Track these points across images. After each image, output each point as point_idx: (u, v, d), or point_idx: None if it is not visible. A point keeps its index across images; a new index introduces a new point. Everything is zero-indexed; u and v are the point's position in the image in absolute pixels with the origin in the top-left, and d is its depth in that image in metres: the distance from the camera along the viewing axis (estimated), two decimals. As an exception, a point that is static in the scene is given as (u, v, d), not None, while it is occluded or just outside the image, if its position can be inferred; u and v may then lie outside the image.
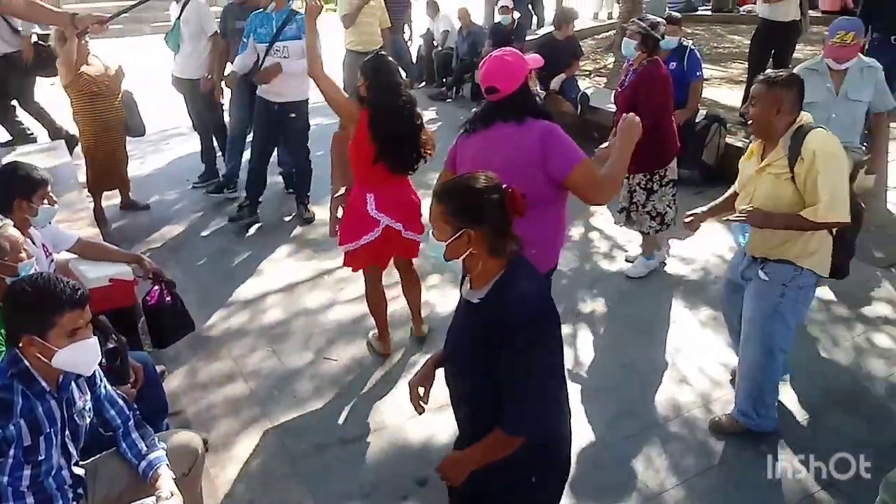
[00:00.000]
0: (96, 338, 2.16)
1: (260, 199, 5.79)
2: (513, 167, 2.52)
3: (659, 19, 4.50)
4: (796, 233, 2.87)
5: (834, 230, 2.93)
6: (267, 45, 5.17)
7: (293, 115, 5.45)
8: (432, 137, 3.71)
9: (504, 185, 1.94)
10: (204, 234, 5.67)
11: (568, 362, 3.90)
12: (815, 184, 2.72)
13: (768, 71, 3.00)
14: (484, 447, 1.96)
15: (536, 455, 2.01)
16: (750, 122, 2.98)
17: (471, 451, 2.00)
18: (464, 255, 1.91)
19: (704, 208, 3.33)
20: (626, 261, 4.96)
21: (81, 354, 2.11)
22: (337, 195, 4.02)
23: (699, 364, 3.82)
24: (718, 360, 3.83)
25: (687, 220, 3.29)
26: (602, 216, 5.41)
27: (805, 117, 2.87)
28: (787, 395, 3.56)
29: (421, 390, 2.19)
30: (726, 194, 3.33)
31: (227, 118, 6.21)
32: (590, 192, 2.69)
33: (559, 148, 2.66)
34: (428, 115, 8.34)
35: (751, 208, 2.90)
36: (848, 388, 3.64)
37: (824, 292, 4.40)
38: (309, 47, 3.65)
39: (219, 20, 6.06)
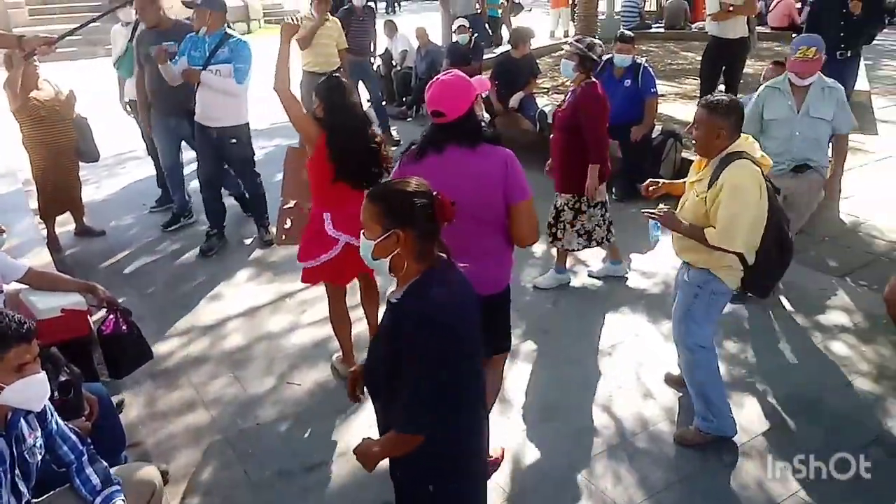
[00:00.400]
0: (45, 372, 2.08)
1: (224, 224, 5.72)
2: (474, 188, 2.62)
3: (595, 40, 4.56)
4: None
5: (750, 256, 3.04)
6: (200, 68, 5.05)
7: (233, 140, 5.31)
8: (391, 156, 3.71)
9: (434, 193, 2.02)
10: (161, 259, 5.56)
11: (533, 379, 3.90)
12: (716, 211, 2.92)
13: (711, 96, 3.12)
14: (386, 441, 2.06)
15: (441, 465, 2.08)
16: (694, 141, 3.13)
17: (378, 443, 2.10)
18: (391, 255, 1.99)
19: (664, 180, 3.56)
20: (589, 275, 5.01)
21: (30, 390, 2.04)
22: (286, 206, 4.10)
23: (662, 377, 3.85)
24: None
25: (647, 186, 3.49)
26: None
27: (744, 143, 3.01)
28: (749, 404, 3.61)
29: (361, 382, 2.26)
30: (685, 179, 3.43)
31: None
32: (525, 226, 2.78)
33: (518, 177, 2.74)
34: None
35: (667, 209, 3.13)
36: (809, 395, 3.69)
37: (783, 301, 4.50)
38: (280, 61, 3.65)
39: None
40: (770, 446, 3.32)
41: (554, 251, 4.92)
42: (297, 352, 4.25)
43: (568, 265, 5.05)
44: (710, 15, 7.26)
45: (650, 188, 3.49)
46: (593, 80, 4.48)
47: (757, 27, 8.03)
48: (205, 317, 4.67)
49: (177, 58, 5.17)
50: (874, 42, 6.67)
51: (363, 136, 3.57)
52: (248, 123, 5.43)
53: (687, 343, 3.28)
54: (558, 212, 4.67)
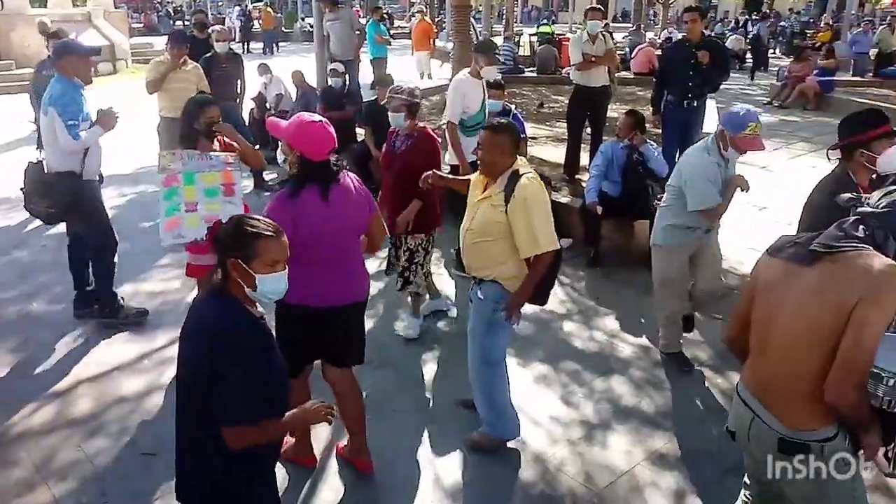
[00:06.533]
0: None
1: None
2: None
3: (413, 87, 4.72)
4: (503, 258, 3.35)
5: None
6: None
7: None
8: None
9: None
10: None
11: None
12: (527, 225, 3.24)
13: (492, 119, 3.46)
14: None
15: None
16: (479, 162, 3.42)
17: None
18: None
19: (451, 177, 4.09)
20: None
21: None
22: None
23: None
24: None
25: (426, 177, 3.80)
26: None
27: (520, 161, 3.37)
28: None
29: None
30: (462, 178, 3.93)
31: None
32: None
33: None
34: (267, 176, 8.24)
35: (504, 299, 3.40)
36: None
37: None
38: None
39: None
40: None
41: (407, 298, 4.92)
42: (154, 418, 3.96)
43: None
44: (573, 64, 7.62)
45: (429, 179, 3.78)
46: (422, 125, 4.65)
47: (619, 73, 8.46)
48: (49, 383, 4.27)
49: None
50: (726, 86, 7.12)
51: None
52: None
53: (489, 358, 3.56)
54: (412, 253, 4.64)
